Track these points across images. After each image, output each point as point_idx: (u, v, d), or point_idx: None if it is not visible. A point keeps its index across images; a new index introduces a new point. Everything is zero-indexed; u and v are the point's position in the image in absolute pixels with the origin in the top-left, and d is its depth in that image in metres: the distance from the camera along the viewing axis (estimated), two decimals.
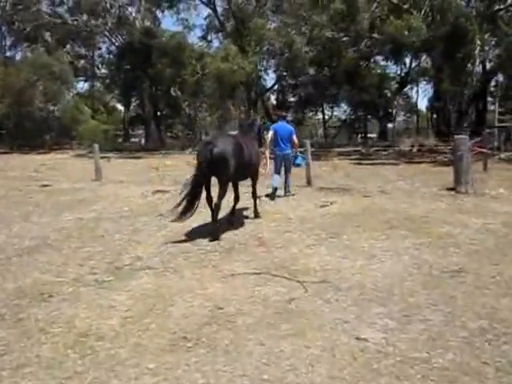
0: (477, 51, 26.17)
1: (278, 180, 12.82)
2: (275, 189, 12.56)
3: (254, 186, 10.22)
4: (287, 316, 5.06)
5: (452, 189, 12.65)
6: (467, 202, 11.05)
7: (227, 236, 8.61)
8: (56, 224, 10.14)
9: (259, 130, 10.92)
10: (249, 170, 9.55)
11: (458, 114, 32.69)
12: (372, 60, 39.33)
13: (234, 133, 11.48)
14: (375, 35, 28.72)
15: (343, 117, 50.95)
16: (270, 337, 4.59)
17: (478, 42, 25.06)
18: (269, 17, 34.87)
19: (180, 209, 8.64)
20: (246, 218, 10.25)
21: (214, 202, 8.70)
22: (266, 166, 12.39)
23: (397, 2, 27.25)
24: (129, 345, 4.55)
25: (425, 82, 50.18)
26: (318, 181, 15.13)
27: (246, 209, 10.77)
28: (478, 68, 32.62)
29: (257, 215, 10.25)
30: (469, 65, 28.17)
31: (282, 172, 13.13)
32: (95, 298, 5.78)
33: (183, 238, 8.61)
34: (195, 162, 8.98)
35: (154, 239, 8.60)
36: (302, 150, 14.46)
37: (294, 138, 12.99)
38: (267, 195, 12.36)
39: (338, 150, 29.79)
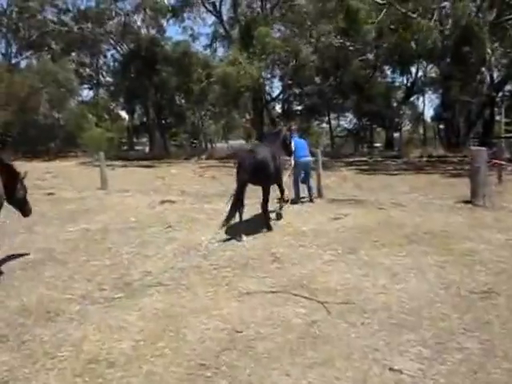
0: (487, 60, 25.82)
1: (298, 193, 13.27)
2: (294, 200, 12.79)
3: (280, 190, 10.99)
4: (311, 342, 4.72)
5: (469, 202, 12.26)
6: (486, 216, 10.66)
7: (240, 251, 8.25)
8: (61, 235, 9.83)
9: (284, 140, 11.21)
10: (277, 177, 10.38)
11: (466, 124, 32.32)
12: (378, 70, 39.06)
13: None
14: (383, 44, 28.38)
15: (348, 126, 50.74)
16: (295, 366, 4.25)
17: (489, 51, 24.73)
18: (275, 25, 34.57)
19: (227, 214, 9.54)
20: (251, 230, 9.90)
21: (261, 205, 9.94)
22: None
23: (405, 11, 26.93)
24: (142, 373, 4.21)
25: (430, 92, 49.95)
26: (328, 192, 14.75)
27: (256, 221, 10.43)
28: (487, 77, 32.26)
29: (279, 216, 10.98)
30: (478, 74, 27.84)
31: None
32: (104, 318, 5.44)
33: (193, 251, 8.25)
34: (235, 170, 9.80)
35: (163, 253, 8.26)
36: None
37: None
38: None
39: (346, 160, 29.48)
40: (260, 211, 10.31)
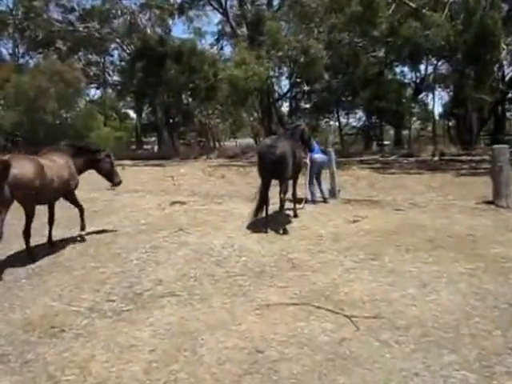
0: (503, 55, 25.20)
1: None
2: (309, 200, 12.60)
3: (294, 186, 10.89)
4: (342, 364, 4.28)
5: (491, 202, 11.78)
6: None
7: (255, 256, 7.81)
8: (69, 239, 9.41)
9: (302, 134, 10.99)
10: (296, 172, 10.40)
11: (479, 121, 31.68)
12: (389, 66, 38.46)
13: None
14: (393, 39, 27.75)
15: (355, 124, 50.17)
16: None
17: (504, 46, 24.14)
18: (283, 21, 34.02)
19: (254, 208, 10.05)
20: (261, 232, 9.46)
21: (280, 197, 9.85)
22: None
23: (416, 6, 26.36)
24: None
25: (440, 89, 49.24)
26: (342, 192, 14.30)
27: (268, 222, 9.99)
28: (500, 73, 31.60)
29: (295, 215, 10.76)
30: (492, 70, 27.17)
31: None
32: (113, 334, 5.02)
33: (206, 257, 7.82)
34: (258, 162, 9.99)
35: (174, 259, 7.82)
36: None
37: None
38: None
39: (356, 158, 28.97)
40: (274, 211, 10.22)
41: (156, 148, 50.41)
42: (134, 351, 4.63)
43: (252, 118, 52.31)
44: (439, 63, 39.84)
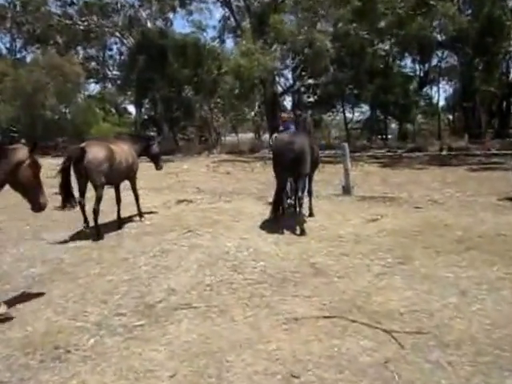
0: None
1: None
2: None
3: (310, 183, 10.42)
4: None
5: None
6: None
7: (273, 261, 7.24)
8: (71, 242, 8.85)
9: (304, 126, 10.55)
10: (312, 167, 9.91)
11: (488, 114, 31.03)
12: (398, 58, 37.82)
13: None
14: (400, 32, 27.08)
15: (362, 117, 49.48)
16: None
17: None
18: (288, 13, 33.29)
19: (271, 207, 9.78)
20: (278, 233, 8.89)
21: (297, 195, 9.44)
22: None
23: None
24: None
25: (444, 82, 48.55)
26: (354, 188, 13.72)
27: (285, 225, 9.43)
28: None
29: (311, 213, 10.31)
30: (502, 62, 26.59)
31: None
32: (126, 356, 4.45)
33: (221, 262, 7.25)
34: (274, 159, 9.53)
35: (186, 264, 7.24)
36: None
37: None
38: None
39: (364, 153, 28.35)
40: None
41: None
42: (150, 378, 4.05)
43: (253, 113, 51.50)
44: (444, 55, 39.24)
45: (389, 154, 28.45)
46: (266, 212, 10.72)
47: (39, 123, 38.90)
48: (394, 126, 49.51)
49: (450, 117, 50.73)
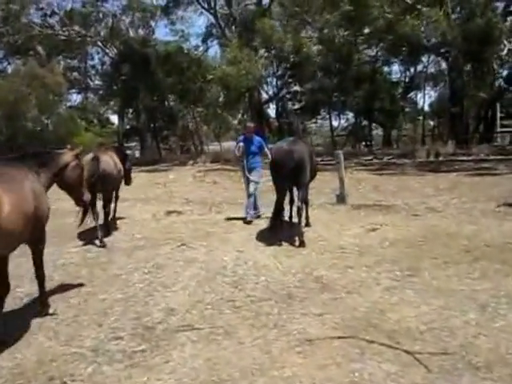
0: (505, 51, 24.45)
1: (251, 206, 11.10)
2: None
3: (306, 191, 9.75)
4: None
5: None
6: None
7: (275, 275, 6.88)
8: (60, 258, 8.39)
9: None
10: (312, 175, 9.76)
11: (475, 119, 30.93)
12: (385, 64, 37.72)
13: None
14: (389, 36, 26.92)
15: (346, 124, 49.34)
16: None
17: (506, 42, 23.40)
18: (275, 19, 32.99)
19: (271, 218, 9.52)
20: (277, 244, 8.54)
21: (297, 206, 9.06)
22: None
23: (411, 2, 25.58)
24: None
25: (429, 88, 48.53)
26: (348, 196, 13.41)
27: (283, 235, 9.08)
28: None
29: (308, 223, 9.97)
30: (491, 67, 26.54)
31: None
32: None
33: (220, 277, 6.88)
34: (273, 169, 9.17)
35: (184, 281, 6.86)
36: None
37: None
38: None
39: (351, 160, 28.09)
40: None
41: (138, 153, 49.02)
42: None
43: (236, 121, 51.15)
44: (430, 60, 39.23)
45: (376, 160, 28.32)
46: (259, 223, 10.42)
47: (20, 134, 38.24)
48: (376, 132, 49.46)
49: (431, 123, 50.75)
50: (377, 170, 23.30)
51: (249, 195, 11.05)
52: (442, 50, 28.86)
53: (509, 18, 27.09)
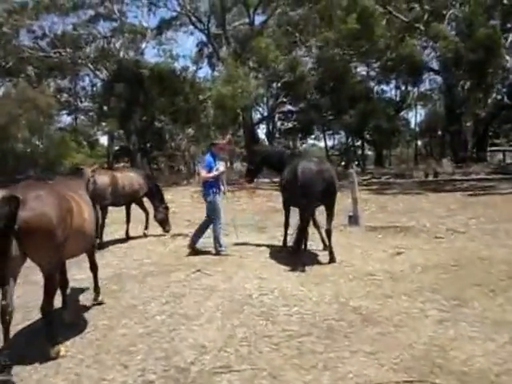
0: (509, 64, 24.15)
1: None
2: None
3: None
4: None
5: None
6: None
7: (308, 306, 6.31)
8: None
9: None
10: None
11: (475, 137, 30.69)
12: (377, 82, 37.67)
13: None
14: (389, 56, 26.73)
15: (339, 143, 49.25)
16: None
17: (507, 58, 23.18)
18: (270, 38, 32.85)
19: (294, 241, 8.71)
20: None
21: (326, 228, 8.63)
22: None
23: (409, 21, 25.39)
24: None
25: (419, 107, 48.59)
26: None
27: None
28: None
29: (325, 246, 9.13)
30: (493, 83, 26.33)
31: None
32: None
33: (247, 308, 6.30)
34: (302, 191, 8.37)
35: (207, 311, 6.27)
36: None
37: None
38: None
39: (348, 179, 27.71)
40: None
41: None
42: None
43: (225, 141, 50.73)
44: (425, 78, 39.20)
45: (374, 180, 27.99)
46: (273, 244, 9.96)
47: (10, 156, 37.66)
48: (367, 152, 49.44)
49: (419, 142, 50.73)
50: (377, 189, 22.93)
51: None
52: (439, 68, 28.70)
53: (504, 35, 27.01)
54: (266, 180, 23.55)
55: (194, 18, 36.52)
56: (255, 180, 11.86)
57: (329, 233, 8.57)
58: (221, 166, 9.89)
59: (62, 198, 5.08)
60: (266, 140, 45.31)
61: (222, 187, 9.98)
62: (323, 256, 8.82)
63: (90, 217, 5.75)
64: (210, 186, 9.72)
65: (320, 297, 6.61)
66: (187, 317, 6.13)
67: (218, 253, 9.66)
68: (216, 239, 9.76)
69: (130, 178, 11.77)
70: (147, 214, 12.48)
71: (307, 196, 8.34)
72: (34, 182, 5.84)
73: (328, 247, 8.62)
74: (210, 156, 9.91)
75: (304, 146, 54.91)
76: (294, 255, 8.70)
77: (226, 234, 12.01)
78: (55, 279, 5.22)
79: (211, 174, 9.64)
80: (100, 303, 6.74)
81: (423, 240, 10.06)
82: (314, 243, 9.52)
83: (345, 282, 7.33)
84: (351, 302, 6.30)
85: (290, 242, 9.36)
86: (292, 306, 6.31)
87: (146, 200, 12.62)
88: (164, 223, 12.29)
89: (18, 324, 6.04)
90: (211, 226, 9.94)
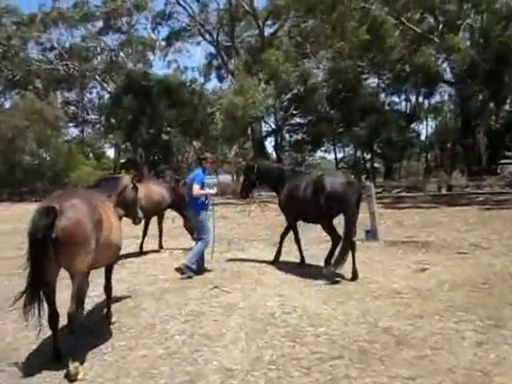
0: None
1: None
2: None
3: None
4: None
5: None
6: None
7: (334, 325, 6.02)
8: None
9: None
10: None
11: (491, 149, 30.35)
12: (390, 94, 37.49)
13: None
14: (403, 66, 26.58)
15: (348, 156, 48.92)
16: None
17: None
18: (279, 50, 32.80)
19: (336, 259, 8.22)
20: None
21: (345, 246, 8.25)
22: None
23: (422, 32, 25.21)
24: None
25: (429, 119, 48.23)
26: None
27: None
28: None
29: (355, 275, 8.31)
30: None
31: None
32: None
33: (272, 328, 6.00)
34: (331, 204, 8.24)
35: (230, 332, 5.98)
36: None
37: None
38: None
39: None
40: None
41: None
42: None
43: (233, 153, 50.62)
44: (437, 90, 38.87)
45: (386, 193, 27.69)
46: (290, 260, 9.66)
47: (18, 168, 37.62)
48: (376, 164, 49.08)
49: (428, 155, 50.29)
50: (390, 203, 22.65)
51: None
52: (453, 79, 28.46)
53: None
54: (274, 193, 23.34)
55: (203, 30, 36.48)
56: (250, 195, 11.84)
57: (353, 246, 8.41)
58: (214, 187, 10.33)
59: (94, 208, 5.26)
60: (274, 152, 45.09)
61: (209, 204, 9.62)
62: (344, 272, 8.51)
63: (117, 228, 5.87)
64: (201, 204, 9.32)
65: (346, 316, 6.32)
66: (209, 337, 5.84)
67: (182, 270, 9.13)
68: (193, 257, 9.20)
69: (157, 190, 11.96)
70: (161, 230, 12.58)
71: (346, 207, 8.16)
72: (67, 191, 6.16)
73: (352, 263, 8.27)
74: (202, 172, 9.44)
75: (311, 158, 54.62)
76: (311, 271, 8.48)
77: (240, 249, 11.82)
78: (84, 285, 5.36)
79: (205, 192, 9.27)
80: (113, 323, 6.56)
81: (446, 256, 9.75)
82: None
83: (371, 300, 7.03)
84: (380, 323, 6.00)
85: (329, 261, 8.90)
86: (318, 325, 6.02)
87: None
88: (192, 231, 11.61)
89: (31, 343, 5.79)
90: (196, 244, 9.57)
